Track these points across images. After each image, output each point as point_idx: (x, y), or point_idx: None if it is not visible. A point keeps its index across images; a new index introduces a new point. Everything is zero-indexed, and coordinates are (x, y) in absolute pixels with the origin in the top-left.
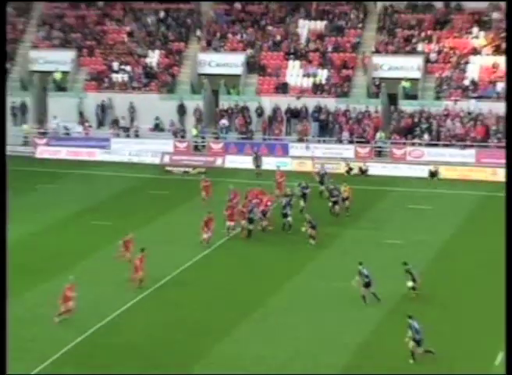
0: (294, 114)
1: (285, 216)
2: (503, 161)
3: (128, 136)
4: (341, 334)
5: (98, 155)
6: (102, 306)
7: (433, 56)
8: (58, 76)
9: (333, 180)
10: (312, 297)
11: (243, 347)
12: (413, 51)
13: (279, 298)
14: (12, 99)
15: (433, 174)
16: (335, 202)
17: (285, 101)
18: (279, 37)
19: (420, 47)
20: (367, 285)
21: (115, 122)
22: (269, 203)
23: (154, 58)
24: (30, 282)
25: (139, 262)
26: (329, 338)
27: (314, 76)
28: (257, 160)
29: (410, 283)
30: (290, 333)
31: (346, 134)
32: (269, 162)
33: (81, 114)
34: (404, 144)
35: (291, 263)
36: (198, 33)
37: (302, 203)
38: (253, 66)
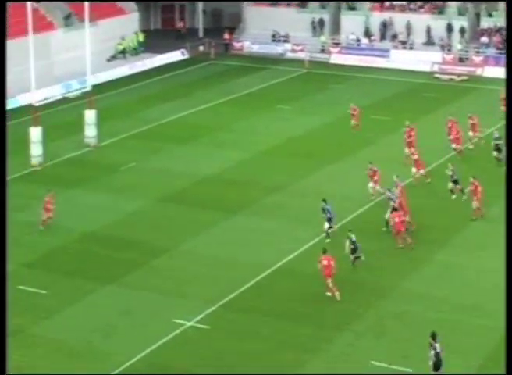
0: None
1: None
2: None
3: (405, 48)
4: None
5: (380, 62)
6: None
7: None
8: None
9: None
10: None
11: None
12: None
13: None
14: (313, 15)
15: None
16: None
17: None
18: None
19: None
20: None
21: (395, 36)
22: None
23: None
24: (316, 167)
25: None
26: None
27: None
28: None
29: None
30: None
31: None
32: None
33: (367, 29)
34: None
35: None
36: None
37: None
38: None
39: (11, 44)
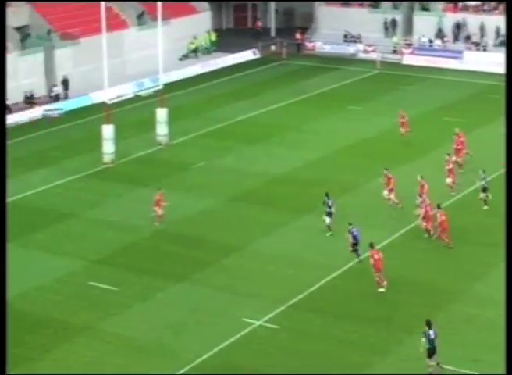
0: None
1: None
2: None
3: (478, 49)
4: None
5: (452, 64)
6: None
7: None
8: None
9: None
10: None
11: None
12: None
13: None
14: (385, 16)
15: None
16: None
17: None
18: None
19: None
20: None
21: (468, 37)
22: None
23: None
24: (388, 167)
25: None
26: None
27: None
28: None
29: None
30: None
31: None
32: None
33: (440, 30)
34: None
35: None
36: None
37: None
38: None
39: (85, 43)
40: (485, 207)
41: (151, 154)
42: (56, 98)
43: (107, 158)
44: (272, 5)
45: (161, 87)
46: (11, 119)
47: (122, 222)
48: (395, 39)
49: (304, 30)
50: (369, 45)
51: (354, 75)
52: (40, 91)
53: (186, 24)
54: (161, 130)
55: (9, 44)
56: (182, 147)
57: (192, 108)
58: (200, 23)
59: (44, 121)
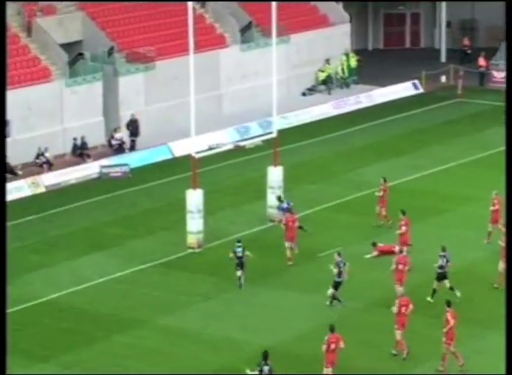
0: None
1: None
2: None
3: None
4: None
5: None
6: None
7: None
8: None
9: None
10: None
11: None
12: None
13: None
14: None
15: None
16: None
17: None
18: None
19: None
20: None
21: None
22: None
23: None
24: None
25: None
26: None
27: None
28: None
29: None
30: None
31: None
32: None
33: None
34: None
35: None
36: None
37: None
38: None
39: (162, 67)
40: None
41: (258, 234)
42: (119, 149)
43: (192, 240)
44: (443, 14)
45: (274, 134)
46: (53, 178)
47: (212, 335)
48: None
49: (489, 52)
50: None
51: None
52: (96, 137)
53: (314, 42)
54: (274, 199)
55: (53, 69)
56: (303, 225)
57: (318, 168)
58: (335, 41)
59: (102, 182)
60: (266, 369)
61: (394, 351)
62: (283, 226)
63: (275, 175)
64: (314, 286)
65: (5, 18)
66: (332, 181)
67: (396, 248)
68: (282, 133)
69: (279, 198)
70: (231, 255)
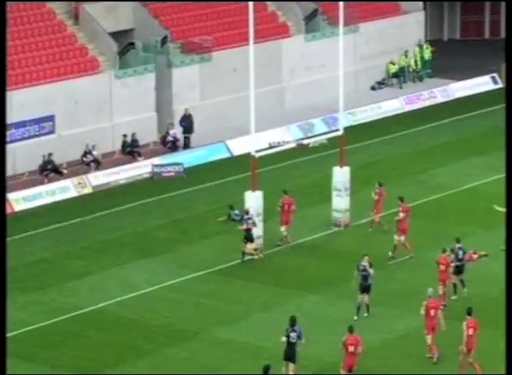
0: None
1: None
2: None
3: None
4: None
5: None
6: None
7: None
8: None
9: None
10: None
11: None
12: None
13: None
14: None
15: None
16: None
17: None
18: None
19: None
20: None
21: None
22: None
23: None
24: None
25: None
26: None
27: None
28: None
29: None
30: None
31: None
32: None
33: None
34: None
35: None
36: None
37: None
38: None
39: (220, 58)
40: None
41: (321, 240)
42: (173, 147)
43: (251, 247)
44: None
45: (341, 132)
46: (101, 178)
47: (271, 349)
48: None
49: None
50: None
51: None
52: (147, 134)
53: (384, 32)
54: (340, 202)
55: (101, 60)
56: (371, 231)
57: (389, 168)
58: (407, 31)
59: (153, 183)
60: (293, 335)
61: (428, 355)
62: (279, 209)
63: (340, 176)
64: (382, 297)
65: (5, 18)
66: (402, 182)
67: (475, 256)
68: (349, 130)
69: (231, 207)
70: None
